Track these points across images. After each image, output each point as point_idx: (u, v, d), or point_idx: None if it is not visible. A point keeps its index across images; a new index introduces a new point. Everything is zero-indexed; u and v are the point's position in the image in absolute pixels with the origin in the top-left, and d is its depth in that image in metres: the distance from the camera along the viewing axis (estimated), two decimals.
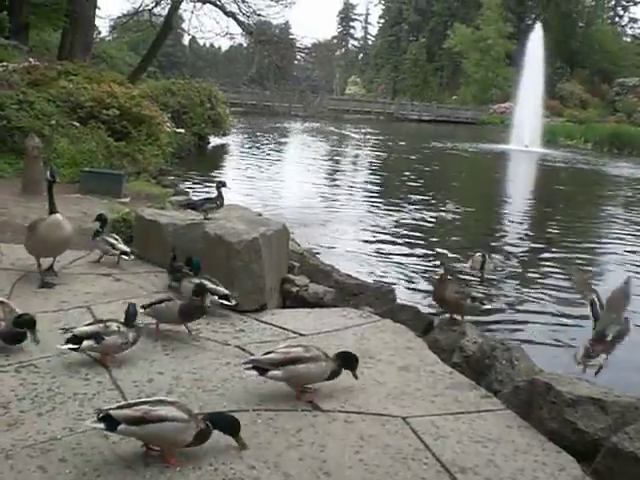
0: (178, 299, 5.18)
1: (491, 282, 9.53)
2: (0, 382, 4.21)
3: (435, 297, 6.20)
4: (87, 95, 15.44)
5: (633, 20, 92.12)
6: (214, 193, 7.10)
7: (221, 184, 7.20)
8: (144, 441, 3.57)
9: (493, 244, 12.24)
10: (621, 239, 13.71)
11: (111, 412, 3.47)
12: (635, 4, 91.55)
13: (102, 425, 3.46)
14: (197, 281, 5.57)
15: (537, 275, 10.27)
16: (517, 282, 9.73)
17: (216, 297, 5.65)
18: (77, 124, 14.53)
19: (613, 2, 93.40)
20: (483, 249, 10.45)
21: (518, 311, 8.59)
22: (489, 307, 8.49)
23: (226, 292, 5.74)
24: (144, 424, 3.43)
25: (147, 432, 3.45)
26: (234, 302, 5.74)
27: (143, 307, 5.18)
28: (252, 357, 4.43)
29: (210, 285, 5.61)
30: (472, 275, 9.62)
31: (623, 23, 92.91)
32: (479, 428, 4.10)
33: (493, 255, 10.60)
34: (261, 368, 4.19)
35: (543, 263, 11.08)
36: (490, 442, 3.98)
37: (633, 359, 6.51)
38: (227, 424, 3.64)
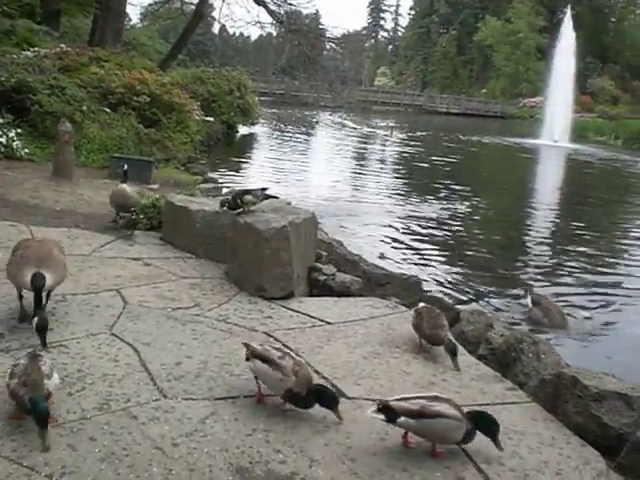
0: None
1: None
2: None
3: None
4: (118, 81, 15.54)
5: None
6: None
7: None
8: (418, 434, 3.66)
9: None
10: None
11: (391, 404, 3.59)
12: None
13: (382, 416, 3.58)
14: None
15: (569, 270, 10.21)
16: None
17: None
18: (108, 110, 14.65)
19: None
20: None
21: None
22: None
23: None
24: (421, 418, 3.53)
25: (423, 426, 3.56)
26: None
27: None
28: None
29: None
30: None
31: None
32: (504, 420, 4.09)
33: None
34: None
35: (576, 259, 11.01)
36: (515, 434, 3.98)
37: None
38: (494, 426, 3.67)
